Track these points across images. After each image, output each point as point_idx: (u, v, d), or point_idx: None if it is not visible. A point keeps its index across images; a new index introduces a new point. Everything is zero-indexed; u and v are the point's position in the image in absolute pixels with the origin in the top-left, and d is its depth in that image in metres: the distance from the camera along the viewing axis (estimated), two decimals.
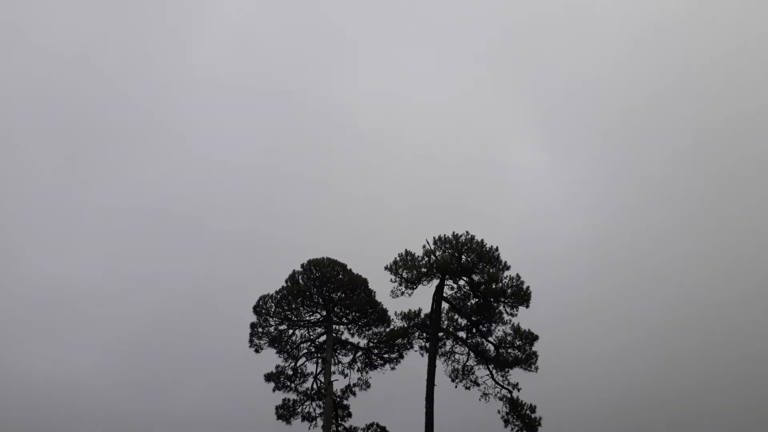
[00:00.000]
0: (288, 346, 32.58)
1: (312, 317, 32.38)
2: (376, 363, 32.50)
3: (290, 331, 32.54)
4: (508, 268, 31.46)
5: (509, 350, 31.56)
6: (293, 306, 31.86)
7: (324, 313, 32.14)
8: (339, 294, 31.55)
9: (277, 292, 32.04)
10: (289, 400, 32.61)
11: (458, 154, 78.16)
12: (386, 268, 31.14)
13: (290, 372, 32.83)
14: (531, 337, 31.41)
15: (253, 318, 32.20)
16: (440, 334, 31.80)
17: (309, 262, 31.87)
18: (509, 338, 31.58)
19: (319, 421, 31.92)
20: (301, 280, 31.86)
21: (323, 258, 31.96)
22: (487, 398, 31.67)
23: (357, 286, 31.35)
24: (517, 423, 30.94)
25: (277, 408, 32.55)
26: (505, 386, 31.57)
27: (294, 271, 32.04)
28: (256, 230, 63.80)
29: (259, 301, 32.27)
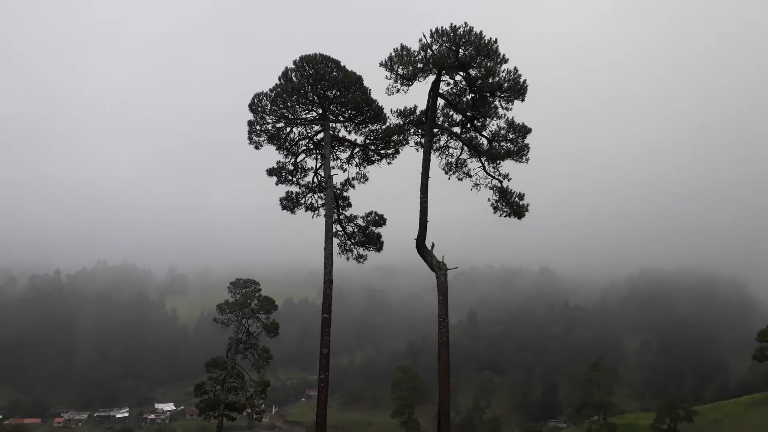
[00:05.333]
0: (287, 143, 33.31)
1: (308, 115, 32.50)
2: (373, 158, 33.54)
3: (288, 129, 32.97)
4: (506, 61, 30.54)
5: (502, 143, 32.42)
6: (288, 104, 31.74)
7: (320, 111, 32.20)
8: (334, 92, 31.22)
9: (271, 90, 31.64)
10: (291, 192, 34.43)
11: None
12: (381, 64, 30.32)
13: (291, 167, 34.09)
14: (524, 130, 32.02)
15: (250, 116, 32.42)
16: (435, 130, 32.39)
17: (301, 58, 30.86)
18: (503, 132, 32.22)
19: (322, 211, 34.04)
20: (294, 78, 31.26)
21: (316, 54, 30.87)
22: (479, 188, 33.36)
23: (352, 83, 30.84)
24: (505, 209, 33.14)
25: (281, 200, 34.54)
26: (496, 177, 33.01)
27: (287, 68, 31.23)
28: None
29: (253, 98, 32.06)
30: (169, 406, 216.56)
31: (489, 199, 33.18)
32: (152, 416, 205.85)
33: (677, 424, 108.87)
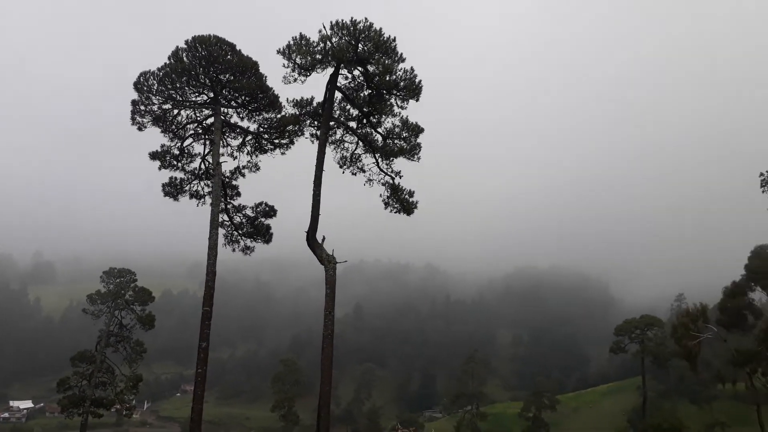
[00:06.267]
0: (173, 126, 31.57)
1: (198, 98, 31.01)
2: (266, 147, 32.68)
3: (175, 111, 31.24)
4: (403, 60, 31.03)
5: (396, 141, 32.92)
6: (177, 85, 30.13)
7: (211, 95, 30.82)
8: (227, 76, 30.03)
9: (159, 69, 29.86)
10: (175, 178, 32.71)
11: None
12: (278, 51, 29.62)
13: (176, 152, 32.36)
14: (417, 130, 32.75)
15: (135, 95, 30.34)
16: (331, 123, 32.16)
17: (194, 38, 29.34)
18: (397, 130, 32.72)
19: (208, 199, 32.59)
20: (185, 58, 29.67)
21: (210, 35, 29.48)
22: (371, 183, 33.68)
23: (247, 68, 29.83)
24: (396, 205, 33.72)
25: (163, 185, 32.69)
26: (389, 173, 33.53)
27: (177, 47, 29.60)
28: None
29: (139, 77, 30.07)
30: (26, 404, 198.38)
31: (381, 195, 33.61)
32: (6, 415, 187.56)
33: (542, 412, 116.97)
